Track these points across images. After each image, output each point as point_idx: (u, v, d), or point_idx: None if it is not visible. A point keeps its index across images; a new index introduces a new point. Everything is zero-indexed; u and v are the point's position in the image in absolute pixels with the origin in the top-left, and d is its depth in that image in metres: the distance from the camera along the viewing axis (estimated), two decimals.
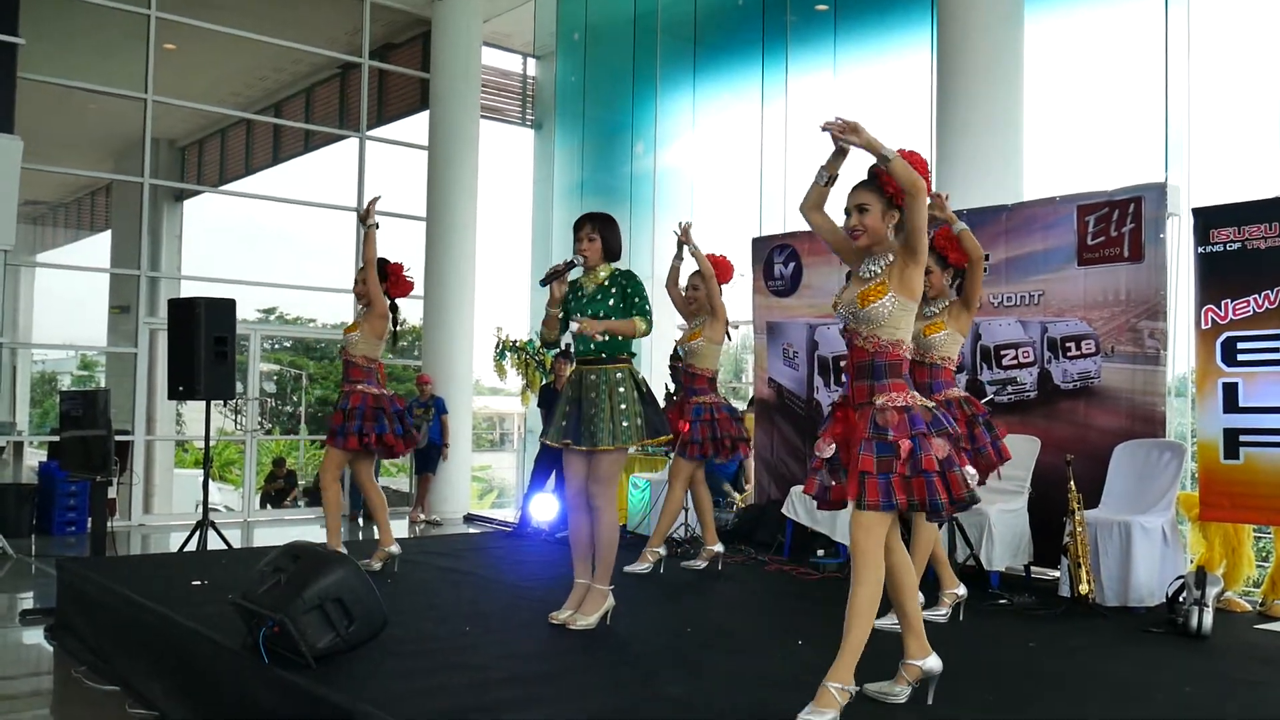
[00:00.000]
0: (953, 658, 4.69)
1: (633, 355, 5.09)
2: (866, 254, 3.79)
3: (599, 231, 5.03)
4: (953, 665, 4.54)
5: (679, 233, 6.54)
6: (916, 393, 3.68)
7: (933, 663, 3.79)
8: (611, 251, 5.06)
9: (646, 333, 4.98)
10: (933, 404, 3.72)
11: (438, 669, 4.24)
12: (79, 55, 12.73)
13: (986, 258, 7.13)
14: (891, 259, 3.69)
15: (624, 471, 9.58)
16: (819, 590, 6.18)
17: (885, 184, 3.67)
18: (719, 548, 6.59)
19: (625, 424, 4.86)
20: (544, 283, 5.01)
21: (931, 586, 5.42)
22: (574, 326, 4.94)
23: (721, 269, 6.57)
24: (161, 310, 12.00)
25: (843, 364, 3.90)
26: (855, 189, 3.77)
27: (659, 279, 6.93)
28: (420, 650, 4.54)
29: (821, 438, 3.79)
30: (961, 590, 5.42)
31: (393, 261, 6.70)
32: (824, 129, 3.59)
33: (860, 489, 3.53)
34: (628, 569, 6.40)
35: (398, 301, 6.69)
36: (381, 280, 6.60)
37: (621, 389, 4.90)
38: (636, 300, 4.97)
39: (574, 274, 5.09)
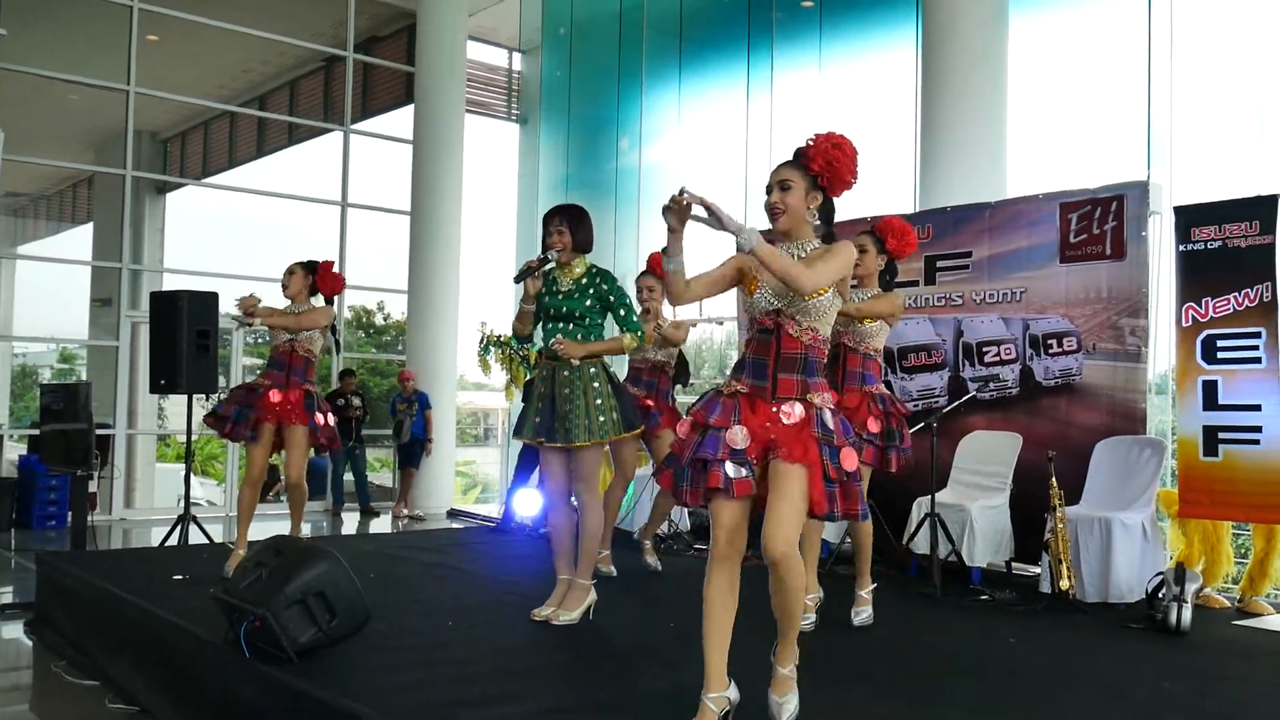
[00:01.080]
0: (933, 653, 4.73)
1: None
2: (783, 239, 3.53)
3: (567, 224, 4.96)
4: (934, 660, 4.57)
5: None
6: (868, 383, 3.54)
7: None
8: (580, 245, 5.00)
9: (635, 347, 4.94)
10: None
11: (420, 663, 4.23)
12: (61, 46, 12.65)
13: (969, 254, 7.19)
14: (817, 247, 3.48)
15: (607, 468, 9.59)
16: None
17: (810, 162, 3.44)
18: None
19: (602, 419, 4.87)
20: (518, 279, 5.00)
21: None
22: (555, 345, 4.88)
23: (653, 262, 6.50)
24: (143, 303, 11.93)
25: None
26: (779, 165, 3.53)
27: None
28: (403, 645, 4.54)
29: (722, 426, 3.36)
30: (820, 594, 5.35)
31: (321, 261, 6.53)
32: (670, 204, 3.29)
33: (829, 500, 3.30)
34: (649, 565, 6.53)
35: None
36: (309, 275, 6.45)
37: (595, 384, 4.90)
38: (621, 312, 4.92)
39: (548, 267, 5.07)
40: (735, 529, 3.36)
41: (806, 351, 3.40)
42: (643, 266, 6.71)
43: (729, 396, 3.44)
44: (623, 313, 4.95)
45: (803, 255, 3.45)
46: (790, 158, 3.51)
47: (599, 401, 4.86)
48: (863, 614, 5.19)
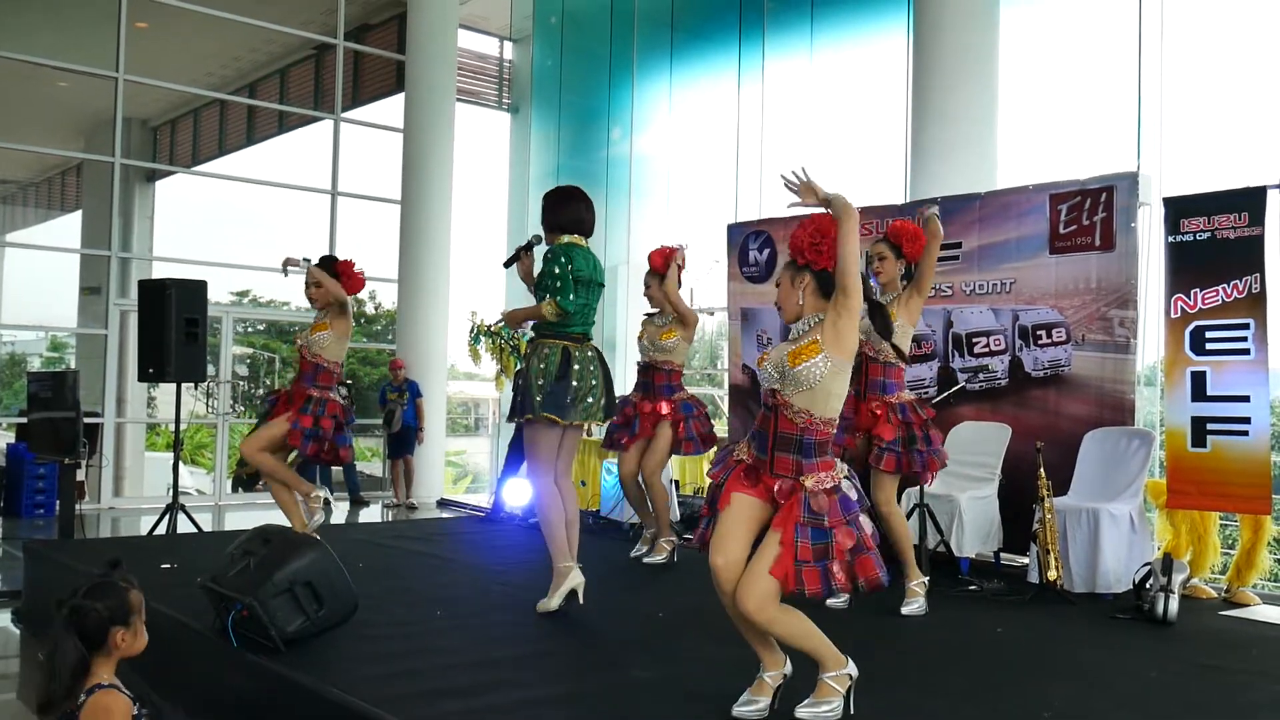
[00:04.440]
0: (921, 642, 4.74)
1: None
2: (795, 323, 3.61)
3: (542, 205, 5.08)
4: (921, 650, 4.58)
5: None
6: (840, 465, 3.55)
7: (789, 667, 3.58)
8: (550, 224, 5.02)
9: (557, 315, 4.86)
10: (847, 472, 3.53)
11: (408, 653, 4.24)
12: (50, 32, 12.57)
13: (959, 245, 7.19)
14: (821, 318, 3.49)
15: (597, 457, 9.60)
16: None
17: (795, 253, 3.60)
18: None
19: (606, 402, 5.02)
20: (506, 264, 5.05)
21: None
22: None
23: (652, 260, 6.53)
24: (132, 292, 11.88)
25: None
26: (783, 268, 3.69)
27: (635, 265, 6.91)
28: (390, 634, 4.53)
29: (713, 477, 3.62)
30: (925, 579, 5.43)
31: (341, 259, 6.47)
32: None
33: (798, 578, 3.30)
34: (646, 560, 6.47)
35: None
36: (333, 279, 6.40)
37: (591, 366, 4.95)
38: (544, 280, 4.90)
39: (539, 249, 5.10)
40: (729, 579, 3.43)
41: (802, 434, 3.42)
42: (634, 255, 6.71)
43: (735, 460, 3.58)
44: (545, 280, 4.89)
45: (807, 328, 3.53)
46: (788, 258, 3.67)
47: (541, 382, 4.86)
48: (913, 605, 5.25)
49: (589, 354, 4.97)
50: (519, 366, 4.93)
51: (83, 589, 2.72)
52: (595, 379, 4.95)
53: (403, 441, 12.44)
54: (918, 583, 5.32)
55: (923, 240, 5.28)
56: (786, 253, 3.67)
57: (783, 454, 3.43)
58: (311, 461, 6.49)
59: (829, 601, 5.09)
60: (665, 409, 6.43)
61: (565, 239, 4.98)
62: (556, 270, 4.85)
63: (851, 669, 3.47)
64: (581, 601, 4.91)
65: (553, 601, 4.89)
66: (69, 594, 2.68)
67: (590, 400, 4.91)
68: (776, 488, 3.42)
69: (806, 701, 3.42)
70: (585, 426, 5.08)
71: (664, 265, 6.41)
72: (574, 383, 4.86)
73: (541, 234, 5.08)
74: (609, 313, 12.43)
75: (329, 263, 6.39)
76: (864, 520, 3.45)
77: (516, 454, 10.78)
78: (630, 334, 11.43)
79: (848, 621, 5.04)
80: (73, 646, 2.66)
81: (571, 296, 4.85)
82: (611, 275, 11.86)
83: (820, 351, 3.39)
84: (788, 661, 3.53)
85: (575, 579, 4.91)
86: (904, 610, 5.19)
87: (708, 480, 3.66)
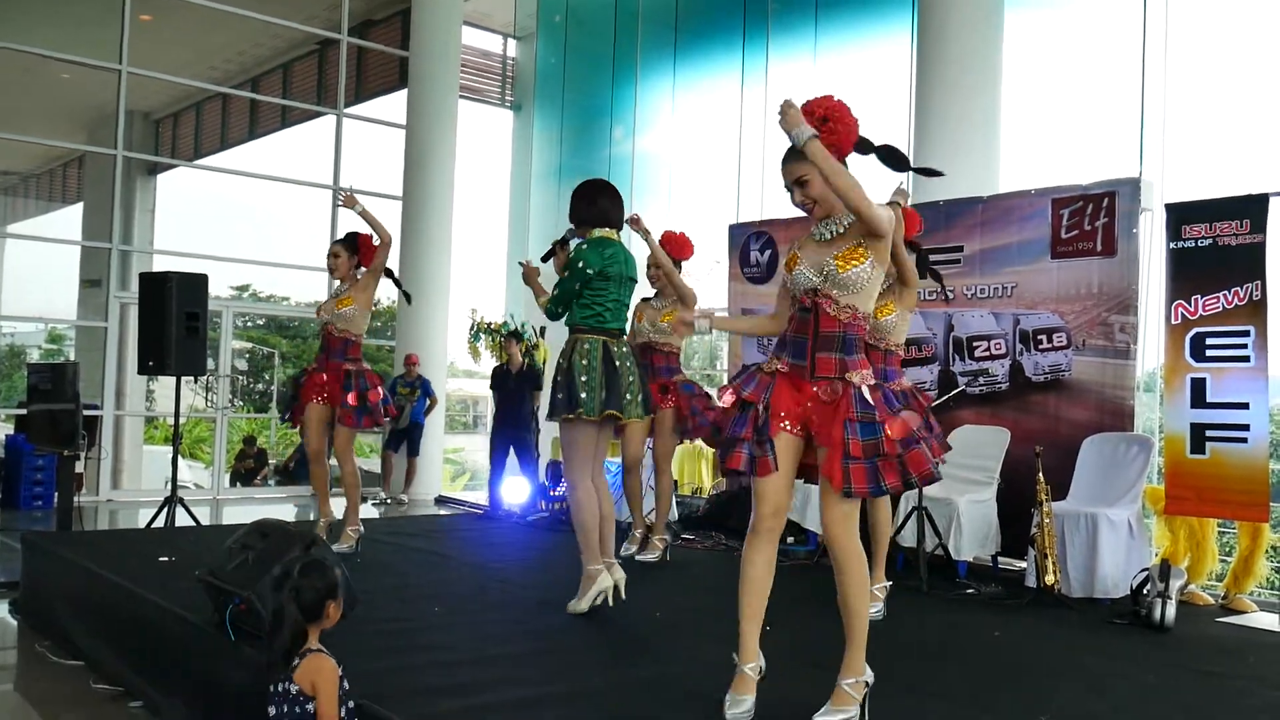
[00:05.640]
0: (918, 646, 4.74)
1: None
2: (822, 222, 3.51)
3: (571, 199, 5.05)
4: (919, 653, 4.58)
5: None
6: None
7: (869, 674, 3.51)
8: (588, 217, 4.99)
9: (546, 310, 4.90)
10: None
11: (406, 649, 4.24)
12: (53, 24, 12.56)
13: (960, 248, 7.20)
14: (851, 222, 3.41)
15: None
16: (789, 577, 6.18)
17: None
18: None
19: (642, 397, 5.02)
20: (544, 259, 5.13)
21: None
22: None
23: (679, 245, 6.51)
24: (133, 284, 11.88)
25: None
26: (785, 161, 3.51)
27: (637, 261, 6.88)
28: (389, 630, 4.53)
29: (754, 401, 3.44)
30: (888, 583, 5.38)
31: (360, 235, 6.61)
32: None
33: (845, 476, 3.26)
34: (639, 557, 6.44)
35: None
36: (354, 253, 6.53)
37: (628, 362, 4.96)
38: (561, 274, 4.92)
39: (574, 243, 5.08)
40: (778, 503, 3.42)
41: (844, 330, 3.39)
42: (635, 251, 6.72)
43: (768, 374, 3.48)
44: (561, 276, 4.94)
45: (841, 230, 3.44)
46: (789, 146, 3.45)
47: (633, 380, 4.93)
48: (873, 609, 5.19)
49: (624, 349, 4.95)
50: (559, 362, 4.89)
51: (297, 568, 3.21)
52: (633, 375, 4.93)
53: (406, 438, 12.39)
54: (879, 587, 5.23)
55: (915, 220, 5.29)
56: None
57: (825, 354, 3.39)
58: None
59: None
60: (667, 388, 6.44)
61: (596, 233, 4.96)
62: (569, 272, 4.85)
63: (868, 675, 3.45)
64: (624, 597, 4.89)
65: (582, 604, 4.86)
66: (283, 573, 3.19)
67: (629, 397, 4.88)
68: (821, 390, 3.37)
69: (823, 710, 3.38)
70: (618, 422, 5.02)
71: (678, 252, 6.43)
72: (621, 379, 4.83)
73: (570, 233, 5.06)
74: None
75: (352, 239, 6.57)
76: (909, 414, 3.41)
77: (501, 455, 10.81)
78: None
79: (839, 623, 5.04)
80: (294, 619, 3.16)
81: (560, 309, 4.85)
82: None
83: (867, 257, 3.36)
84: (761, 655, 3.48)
85: (605, 581, 4.87)
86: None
87: (727, 398, 3.50)
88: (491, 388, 11.54)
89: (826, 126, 3.36)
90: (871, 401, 3.34)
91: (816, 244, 3.47)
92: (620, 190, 5.14)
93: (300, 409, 6.49)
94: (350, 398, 6.28)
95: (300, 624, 3.19)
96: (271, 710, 3.15)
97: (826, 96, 3.45)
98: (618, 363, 4.85)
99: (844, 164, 3.38)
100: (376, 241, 6.45)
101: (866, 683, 3.44)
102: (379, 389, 6.43)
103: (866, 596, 3.42)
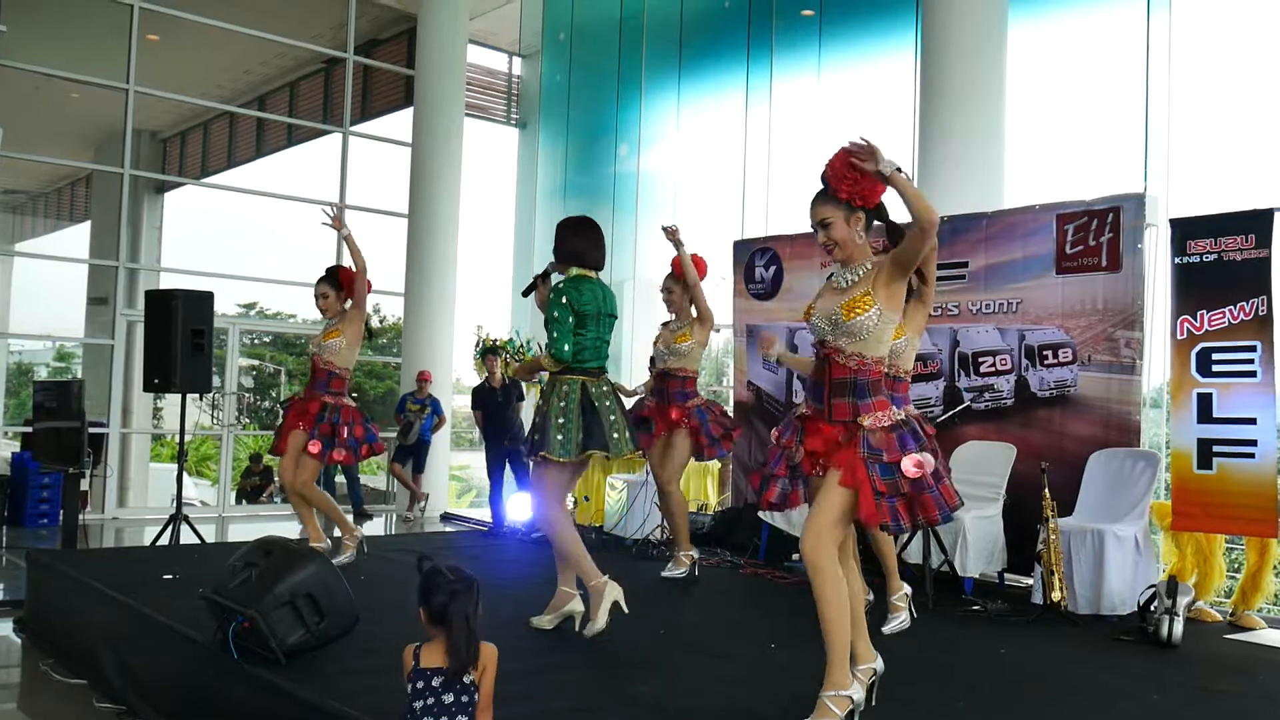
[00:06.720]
0: (925, 663, 4.71)
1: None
2: (844, 266, 3.61)
3: (555, 234, 5.03)
4: (925, 670, 4.56)
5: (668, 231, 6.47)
6: (894, 406, 3.58)
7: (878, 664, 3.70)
8: (561, 255, 4.98)
9: (554, 365, 4.83)
10: (906, 416, 3.59)
11: None
12: (61, 44, 12.65)
13: (965, 264, 7.19)
14: (870, 267, 3.53)
15: (601, 472, 9.60)
16: (794, 594, 6.17)
17: (837, 188, 3.49)
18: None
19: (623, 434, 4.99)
20: (525, 293, 5.09)
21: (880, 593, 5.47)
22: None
23: (694, 265, 6.53)
24: (139, 302, 11.91)
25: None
26: (814, 201, 3.60)
27: (641, 281, 6.93)
28: (391, 647, 4.48)
29: (786, 444, 3.69)
30: (908, 589, 5.39)
31: (340, 268, 6.58)
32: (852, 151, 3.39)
33: (892, 512, 3.39)
34: (665, 574, 6.42)
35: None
36: (339, 289, 6.49)
37: (608, 401, 4.92)
38: (548, 318, 4.84)
39: (556, 278, 5.05)
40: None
41: (855, 375, 3.52)
42: (639, 273, 6.73)
43: (798, 418, 3.69)
44: (549, 331, 4.85)
45: (857, 278, 3.54)
46: (820, 188, 3.57)
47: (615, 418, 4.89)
48: (895, 620, 5.20)
49: (604, 388, 4.92)
50: (538, 403, 4.90)
51: (458, 580, 3.52)
52: (614, 413, 4.90)
53: (413, 455, 12.38)
54: (899, 595, 5.26)
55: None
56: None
57: (839, 399, 3.53)
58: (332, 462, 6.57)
59: (885, 628, 5.07)
60: (675, 414, 6.43)
61: (574, 271, 4.94)
62: (556, 314, 4.80)
63: (855, 692, 3.45)
64: (626, 610, 4.86)
65: (600, 621, 4.80)
66: (451, 581, 3.50)
67: (616, 435, 4.86)
68: (839, 434, 3.52)
69: None
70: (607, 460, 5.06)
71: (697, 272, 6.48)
72: (601, 418, 4.81)
73: (552, 266, 5.04)
74: (615, 329, 12.39)
75: (334, 274, 6.52)
76: (925, 456, 3.46)
77: (498, 471, 10.81)
78: (637, 350, 11.44)
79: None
80: (474, 618, 3.44)
81: (567, 347, 4.77)
82: (617, 291, 11.80)
83: (874, 305, 3.47)
84: (856, 685, 3.52)
85: (613, 591, 4.82)
86: (885, 630, 5.09)
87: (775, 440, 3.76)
88: (474, 406, 11.52)
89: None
90: (879, 444, 3.45)
91: (833, 291, 3.60)
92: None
93: (284, 437, 6.45)
94: (322, 428, 6.27)
95: (474, 624, 3.41)
96: (449, 698, 3.38)
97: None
98: (596, 403, 4.82)
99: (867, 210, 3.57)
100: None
101: (852, 699, 3.46)
102: (360, 425, 6.40)
103: (844, 614, 3.46)
